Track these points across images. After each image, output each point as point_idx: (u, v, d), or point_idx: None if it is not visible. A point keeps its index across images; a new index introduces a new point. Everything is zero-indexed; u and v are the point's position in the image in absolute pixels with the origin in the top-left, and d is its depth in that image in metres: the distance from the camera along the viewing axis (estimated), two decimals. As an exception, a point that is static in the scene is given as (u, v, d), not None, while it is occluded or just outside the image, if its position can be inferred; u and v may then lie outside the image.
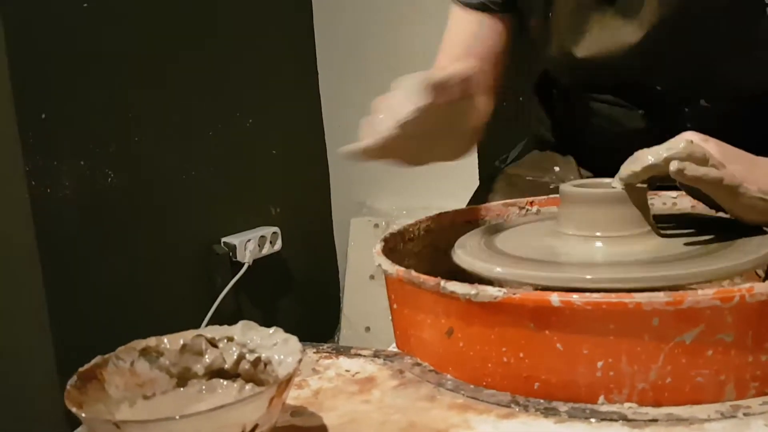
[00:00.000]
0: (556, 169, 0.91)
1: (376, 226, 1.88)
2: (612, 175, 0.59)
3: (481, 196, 0.93)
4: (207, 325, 1.58)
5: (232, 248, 1.69)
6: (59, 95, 1.41)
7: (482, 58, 0.86)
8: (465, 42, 0.88)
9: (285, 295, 1.89)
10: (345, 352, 0.60)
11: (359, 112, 2.18)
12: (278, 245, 1.80)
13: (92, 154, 1.46)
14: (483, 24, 0.86)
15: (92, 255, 1.47)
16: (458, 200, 1.53)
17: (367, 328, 1.88)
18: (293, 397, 0.52)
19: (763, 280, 0.67)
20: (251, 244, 1.72)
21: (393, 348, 0.62)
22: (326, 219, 2.04)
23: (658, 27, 0.71)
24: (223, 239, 1.71)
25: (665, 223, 0.62)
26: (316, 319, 1.96)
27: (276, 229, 1.80)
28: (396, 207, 1.90)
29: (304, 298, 1.93)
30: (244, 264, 1.69)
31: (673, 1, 0.70)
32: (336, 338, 1.95)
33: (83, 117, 1.45)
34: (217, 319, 1.63)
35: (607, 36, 0.75)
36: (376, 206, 1.95)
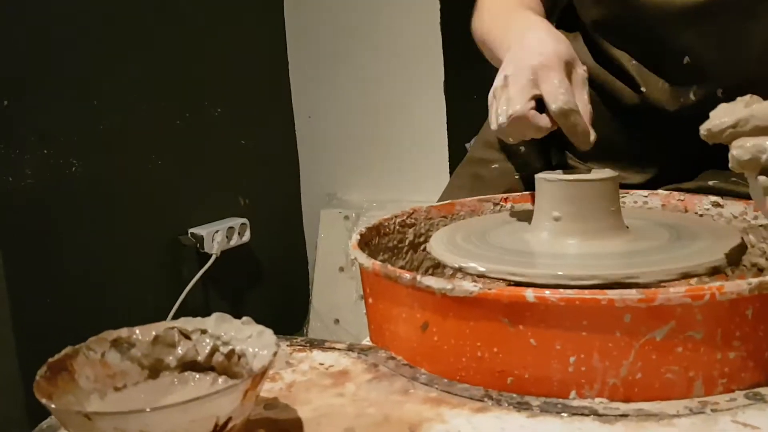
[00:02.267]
0: (522, 149, 0.86)
1: (346, 218, 1.88)
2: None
3: (450, 192, 0.92)
4: (173, 318, 1.56)
5: (200, 239, 1.67)
6: (21, 82, 1.37)
7: None
8: None
9: (253, 287, 1.87)
10: (319, 345, 0.60)
11: (329, 101, 2.20)
12: (247, 236, 1.78)
13: (56, 143, 1.43)
14: None
15: (56, 246, 1.44)
16: (428, 193, 1.54)
17: (336, 320, 1.88)
18: (266, 390, 0.52)
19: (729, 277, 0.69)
20: (219, 236, 1.70)
21: (366, 341, 0.62)
22: (296, 210, 2.03)
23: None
24: (190, 230, 1.69)
25: (637, 219, 0.63)
26: (285, 311, 1.95)
27: (244, 220, 1.78)
28: (366, 199, 1.90)
29: (273, 290, 1.91)
30: (211, 255, 1.67)
31: None
32: (305, 330, 1.95)
33: (46, 105, 1.42)
34: (184, 312, 1.61)
35: None
36: (346, 198, 1.95)
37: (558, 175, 0.61)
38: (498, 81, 0.65)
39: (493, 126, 0.65)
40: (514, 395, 0.49)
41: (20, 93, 1.37)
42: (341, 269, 1.87)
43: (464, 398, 0.49)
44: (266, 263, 1.90)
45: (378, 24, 1.81)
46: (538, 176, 0.63)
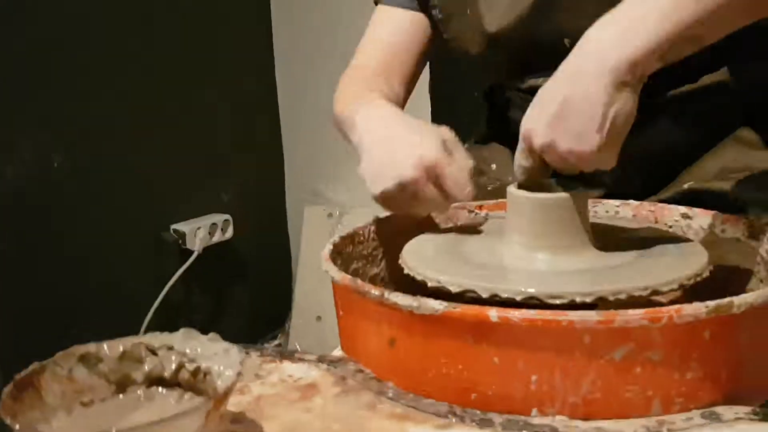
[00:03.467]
0: (493, 167, 0.89)
1: (330, 215, 1.88)
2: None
3: None
4: (154, 314, 1.54)
5: (182, 235, 1.67)
6: (3, 77, 1.36)
7: (406, 51, 0.86)
8: (389, 37, 0.87)
9: (236, 283, 1.88)
10: (289, 356, 0.60)
11: (315, 97, 2.19)
12: (230, 233, 1.78)
13: (37, 137, 1.42)
14: (405, 19, 0.86)
15: (36, 240, 1.43)
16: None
17: (319, 318, 1.88)
18: (234, 403, 0.52)
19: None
20: (201, 232, 1.70)
21: (338, 350, 0.63)
22: (279, 207, 2.03)
23: None
24: (173, 226, 1.68)
25: (606, 235, 0.64)
26: (267, 309, 1.95)
27: (227, 216, 1.78)
28: (350, 197, 1.90)
29: (256, 287, 1.92)
30: (193, 252, 1.67)
31: None
32: (287, 327, 1.95)
33: (28, 99, 1.41)
34: (166, 308, 1.61)
35: (509, 2, 0.74)
36: (330, 195, 1.95)
37: (526, 192, 0.61)
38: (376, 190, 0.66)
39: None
40: (478, 412, 0.50)
41: (5, 86, 1.36)
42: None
43: (429, 414, 0.50)
44: (249, 260, 1.90)
45: (365, 19, 1.81)
46: (508, 189, 0.63)
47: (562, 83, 0.57)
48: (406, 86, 0.89)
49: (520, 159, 0.61)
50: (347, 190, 1.92)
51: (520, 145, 0.61)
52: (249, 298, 1.89)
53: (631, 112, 0.56)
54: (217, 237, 1.75)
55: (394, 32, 0.88)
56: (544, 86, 0.59)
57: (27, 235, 1.42)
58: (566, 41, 0.72)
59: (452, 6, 0.82)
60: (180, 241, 1.67)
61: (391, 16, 0.88)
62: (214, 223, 1.74)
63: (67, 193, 1.48)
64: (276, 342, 1.92)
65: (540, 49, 0.74)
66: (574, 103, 0.55)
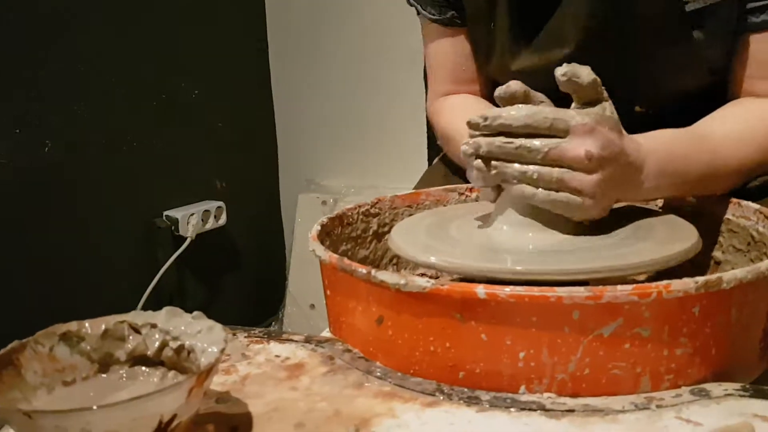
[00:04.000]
0: None
1: (324, 203, 1.88)
2: None
3: (421, 186, 0.93)
4: (146, 300, 1.54)
5: (175, 222, 1.66)
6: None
7: (473, 74, 0.89)
8: (454, 61, 0.89)
9: (229, 271, 1.87)
10: (276, 336, 0.60)
11: (308, 85, 2.17)
12: (223, 220, 1.77)
13: (29, 123, 1.41)
14: (458, 39, 0.88)
15: (28, 227, 1.42)
16: (406, 181, 1.52)
17: (312, 306, 1.88)
18: (220, 383, 0.52)
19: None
20: (194, 218, 1.69)
21: (327, 332, 0.62)
22: (273, 194, 2.02)
23: (581, 45, 0.72)
24: (166, 213, 1.67)
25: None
26: (261, 296, 1.94)
27: (221, 203, 1.77)
28: (344, 185, 1.89)
29: (249, 275, 1.91)
30: (186, 238, 1.66)
31: (592, 23, 0.71)
32: (280, 314, 1.95)
33: (20, 86, 1.39)
34: (158, 295, 1.61)
35: (537, 55, 0.76)
36: (324, 183, 1.94)
37: None
38: None
39: None
40: (465, 390, 0.49)
41: (-8, 73, 1.35)
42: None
43: (416, 392, 0.50)
44: (242, 247, 1.90)
45: (359, 8, 1.80)
46: None
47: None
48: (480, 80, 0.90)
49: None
50: (341, 178, 1.91)
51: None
52: (242, 286, 1.88)
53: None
54: (210, 224, 1.74)
55: (448, 50, 0.89)
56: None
57: (18, 220, 1.41)
58: None
59: (474, 17, 0.83)
60: (173, 228, 1.66)
61: (437, 31, 0.89)
62: (207, 210, 1.73)
63: (60, 179, 1.47)
64: (280, 330, 1.92)
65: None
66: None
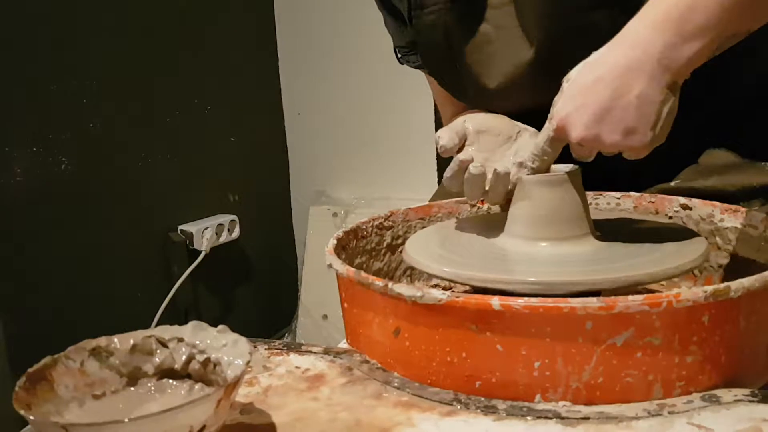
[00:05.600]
0: None
1: (335, 215, 1.90)
2: None
3: (437, 199, 0.95)
4: (162, 314, 1.56)
5: (189, 236, 1.69)
6: (10, 80, 1.38)
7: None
8: (450, 99, 0.91)
9: (242, 283, 1.89)
10: (296, 348, 0.61)
11: (319, 99, 2.20)
12: (236, 233, 1.80)
13: (45, 140, 1.44)
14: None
15: (45, 243, 1.45)
16: (416, 192, 1.54)
17: (325, 316, 1.89)
18: (243, 394, 0.54)
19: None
20: (208, 232, 1.71)
21: (344, 344, 0.64)
22: (285, 207, 2.04)
23: (545, 42, 0.72)
24: (180, 227, 1.70)
25: (606, 224, 0.65)
26: (274, 308, 1.96)
27: (234, 216, 1.79)
28: (355, 197, 1.91)
29: (262, 287, 1.93)
30: (200, 252, 1.69)
31: (551, 14, 0.71)
32: (293, 326, 1.97)
33: (36, 102, 1.42)
34: (174, 308, 1.63)
35: (508, 57, 0.75)
36: (335, 195, 1.96)
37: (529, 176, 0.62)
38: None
39: None
40: (482, 399, 0.50)
41: (10, 90, 1.37)
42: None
43: (434, 402, 0.51)
44: (255, 259, 1.92)
45: (368, 22, 1.82)
46: (521, 178, 0.64)
47: (608, 77, 0.57)
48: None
49: (544, 146, 0.61)
50: (351, 190, 1.93)
51: (548, 134, 0.60)
52: (255, 298, 1.90)
53: (676, 107, 0.58)
54: (224, 237, 1.76)
55: (440, 90, 0.91)
56: (579, 76, 0.58)
57: (35, 237, 1.43)
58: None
59: (436, 65, 0.83)
60: (187, 242, 1.69)
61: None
62: (220, 224, 1.75)
63: (76, 194, 1.50)
64: (298, 342, 1.94)
65: (541, 95, 0.76)
66: (626, 99, 0.56)
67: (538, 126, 0.64)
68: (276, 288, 1.98)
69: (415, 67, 0.91)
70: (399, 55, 0.91)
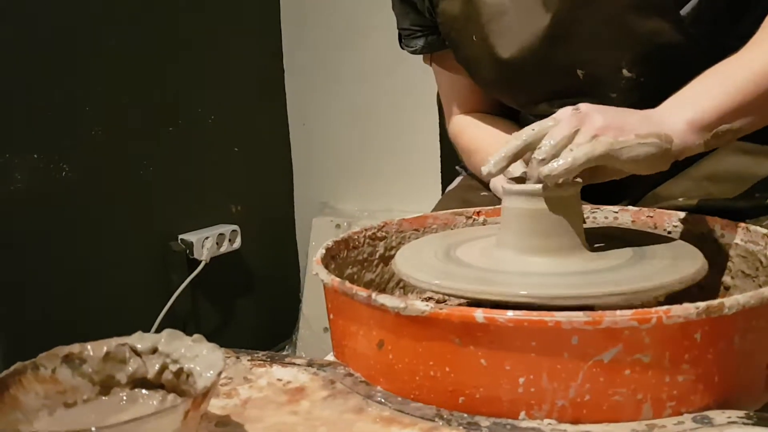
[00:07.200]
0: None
1: (338, 226, 1.88)
2: None
3: (443, 206, 0.94)
4: (161, 323, 1.55)
5: (189, 245, 1.68)
6: (12, 87, 1.38)
7: (480, 100, 0.92)
8: (459, 93, 0.93)
9: (243, 294, 1.88)
10: (279, 360, 0.60)
11: (324, 109, 2.20)
12: (237, 243, 1.79)
13: (46, 148, 1.44)
14: (454, 72, 0.91)
15: (45, 250, 1.44)
16: (420, 205, 1.53)
17: (326, 329, 1.87)
18: (221, 406, 0.52)
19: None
20: (209, 242, 1.70)
21: (331, 356, 0.62)
22: (288, 218, 2.03)
23: (562, 6, 0.72)
24: (181, 236, 1.69)
25: (600, 238, 0.63)
26: (275, 319, 1.95)
27: (236, 227, 1.78)
28: (358, 208, 1.90)
29: (263, 298, 1.91)
30: (200, 262, 1.68)
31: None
32: (294, 338, 1.95)
33: (37, 109, 1.42)
34: (172, 318, 1.62)
35: (525, 26, 0.76)
36: (338, 207, 1.95)
37: (520, 186, 0.61)
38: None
39: None
40: (465, 415, 0.49)
41: (10, 97, 1.38)
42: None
43: (416, 417, 0.49)
44: (257, 270, 1.90)
45: (374, 33, 1.82)
46: (504, 186, 0.62)
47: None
48: (489, 100, 0.94)
49: (556, 135, 0.58)
50: (355, 202, 1.92)
51: (565, 114, 0.58)
52: (256, 309, 1.89)
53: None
54: (225, 247, 1.75)
55: (449, 83, 0.94)
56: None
57: (35, 244, 1.43)
58: (579, 72, 0.73)
59: (456, 33, 0.84)
60: (187, 251, 1.68)
61: (433, 64, 0.94)
62: (221, 234, 1.74)
63: (76, 203, 1.49)
64: (283, 353, 1.93)
65: (553, 76, 0.76)
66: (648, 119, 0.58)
67: None
68: (277, 299, 1.97)
69: (413, 52, 0.91)
70: (402, 39, 0.92)
